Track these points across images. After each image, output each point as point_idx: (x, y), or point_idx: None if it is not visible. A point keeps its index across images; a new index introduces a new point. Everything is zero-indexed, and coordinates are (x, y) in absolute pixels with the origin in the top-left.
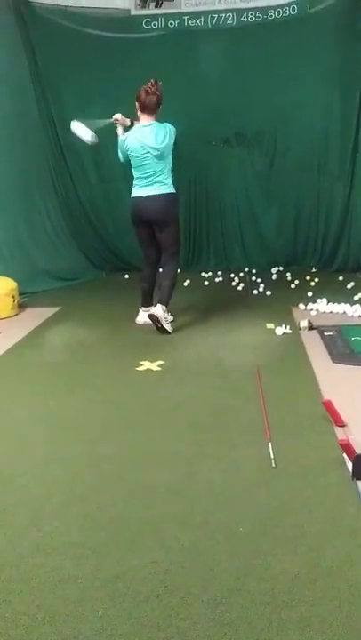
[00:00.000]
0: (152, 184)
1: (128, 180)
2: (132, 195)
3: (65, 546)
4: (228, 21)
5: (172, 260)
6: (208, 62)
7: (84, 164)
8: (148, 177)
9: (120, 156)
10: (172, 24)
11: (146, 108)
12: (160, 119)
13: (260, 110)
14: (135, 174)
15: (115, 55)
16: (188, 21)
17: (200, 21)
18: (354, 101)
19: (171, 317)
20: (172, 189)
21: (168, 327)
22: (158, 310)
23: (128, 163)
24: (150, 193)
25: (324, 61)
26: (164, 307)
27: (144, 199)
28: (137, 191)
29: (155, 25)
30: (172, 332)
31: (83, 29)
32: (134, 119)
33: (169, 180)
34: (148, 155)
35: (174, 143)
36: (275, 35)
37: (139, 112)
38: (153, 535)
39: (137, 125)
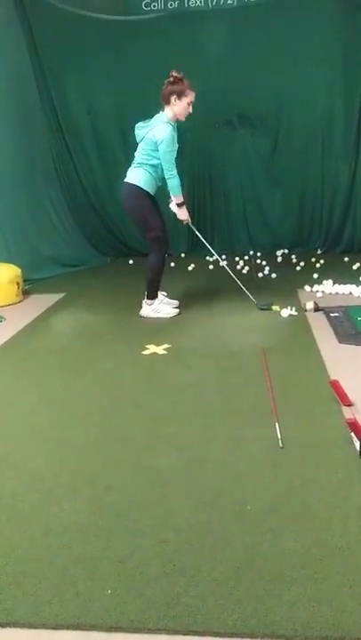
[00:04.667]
0: None
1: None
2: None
3: (73, 527)
4: (229, 1)
5: (151, 250)
6: (209, 43)
7: (86, 149)
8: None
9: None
10: (171, 5)
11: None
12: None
13: (263, 91)
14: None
15: (114, 38)
16: (187, 2)
17: (200, 2)
18: (357, 79)
19: (175, 302)
20: None
21: (160, 315)
22: (143, 310)
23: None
24: None
25: (326, 39)
26: (149, 301)
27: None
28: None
29: (154, 6)
30: (177, 315)
31: (81, 12)
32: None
33: None
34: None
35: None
36: (276, 14)
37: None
38: (161, 515)
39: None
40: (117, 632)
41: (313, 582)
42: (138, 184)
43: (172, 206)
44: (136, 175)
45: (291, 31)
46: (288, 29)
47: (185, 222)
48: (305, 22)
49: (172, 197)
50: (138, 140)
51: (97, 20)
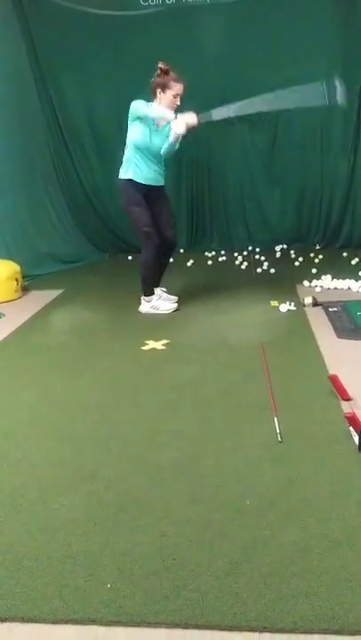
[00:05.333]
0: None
1: None
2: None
3: (73, 523)
4: None
5: (142, 247)
6: (207, 38)
7: (86, 148)
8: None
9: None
10: (170, 0)
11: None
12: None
13: (262, 86)
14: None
15: (113, 33)
16: None
17: None
18: (356, 74)
19: (175, 298)
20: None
21: (159, 311)
22: (142, 307)
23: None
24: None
25: (325, 34)
26: (146, 297)
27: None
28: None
29: (152, 1)
30: (176, 311)
31: (80, 8)
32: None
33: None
34: None
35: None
36: (275, 9)
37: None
38: (161, 510)
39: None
40: (117, 626)
41: (312, 576)
42: (123, 177)
43: (177, 128)
44: (122, 168)
45: (290, 25)
46: (287, 24)
47: (196, 125)
48: (304, 19)
49: (170, 124)
50: None
51: (95, 17)
